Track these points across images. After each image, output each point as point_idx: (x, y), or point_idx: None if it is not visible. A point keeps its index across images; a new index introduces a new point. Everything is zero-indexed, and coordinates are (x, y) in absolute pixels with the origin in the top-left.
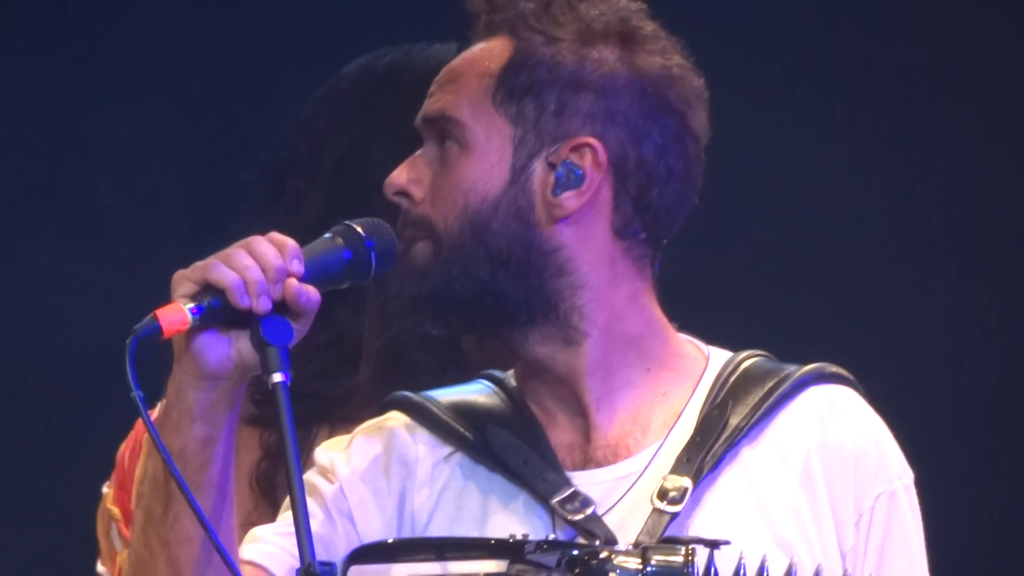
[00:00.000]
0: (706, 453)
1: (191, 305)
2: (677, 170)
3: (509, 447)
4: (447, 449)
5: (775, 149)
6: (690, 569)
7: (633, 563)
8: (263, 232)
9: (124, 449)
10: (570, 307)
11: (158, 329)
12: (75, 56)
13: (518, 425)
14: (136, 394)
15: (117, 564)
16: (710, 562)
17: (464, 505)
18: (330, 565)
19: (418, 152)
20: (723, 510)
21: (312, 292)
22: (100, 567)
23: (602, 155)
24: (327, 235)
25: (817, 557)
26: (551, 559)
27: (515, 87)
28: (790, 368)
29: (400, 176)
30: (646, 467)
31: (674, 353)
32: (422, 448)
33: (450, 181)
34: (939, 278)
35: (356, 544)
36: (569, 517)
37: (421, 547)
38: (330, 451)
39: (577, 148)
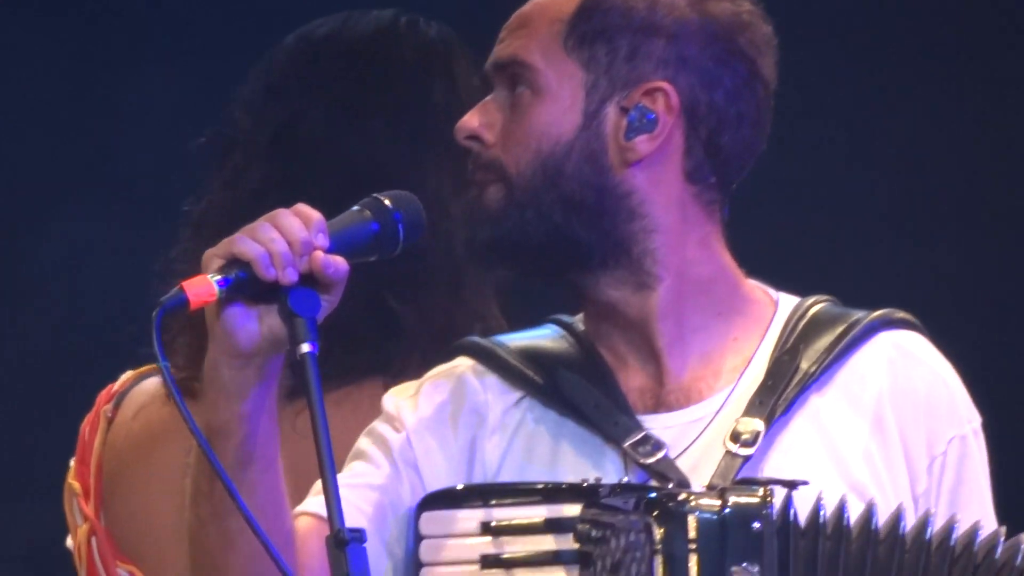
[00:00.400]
0: (778, 397)
1: (218, 277)
2: (747, 115)
3: (579, 391)
4: (517, 394)
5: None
6: (768, 510)
7: (712, 504)
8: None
9: (85, 424)
10: (643, 251)
11: (184, 300)
12: (107, 23)
13: (588, 369)
14: (163, 365)
15: (77, 538)
16: (788, 502)
17: (535, 450)
18: (359, 532)
19: (488, 97)
20: (795, 453)
21: (340, 262)
22: (69, 541)
23: (674, 99)
24: (355, 208)
25: (890, 501)
26: (627, 502)
27: (587, 32)
28: (859, 314)
29: (472, 120)
30: (718, 411)
31: (744, 298)
32: (491, 394)
33: (522, 126)
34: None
35: (422, 494)
36: (641, 460)
37: (492, 493)
38: (397, 398)
39: (649, 92)
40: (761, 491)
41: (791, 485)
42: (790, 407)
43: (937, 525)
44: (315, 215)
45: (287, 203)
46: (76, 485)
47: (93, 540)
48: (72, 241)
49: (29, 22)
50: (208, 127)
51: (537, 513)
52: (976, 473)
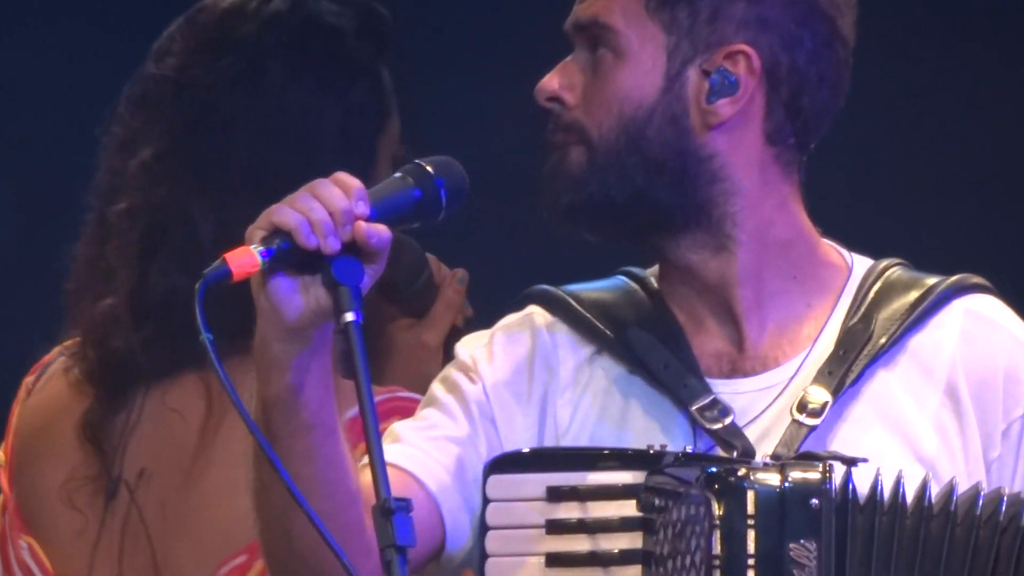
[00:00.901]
0: (848, 367)
1: (260, 248)
2: (827, 75)
3: (651, 350)
4: (589, 349)
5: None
6: (827, 486)
7: (772, 479)
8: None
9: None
10: (723, 214)
11: (227, 272)
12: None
13: (660, 328)
14: (206, 337)
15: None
16: (848, 478)
17: (606, 409)
18: (406, 501)
19: (568, 58)
20: (862, 425)
21: (382, 230)
22: None
23: (756, 62)
24: (397, 175)
25: (961, 470)
26: (690, 473)
27: None
28: (932, 280)
29: (551, 82)
30: (791, 378)
31: (820, 261)
32: (563, 348)
33: (604, 88)
34: None
35: (497, 450)
36: (708, 425)
37: (558, 458)
38: (470, 348)
39: (731, 55)
40: (821, 467)
41: (851, 462)
42: (860, 377)
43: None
44: (355, 183)
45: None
46: (2, 456)
47: (5, 512)
48: None
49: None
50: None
51: (602, 479)
52: None
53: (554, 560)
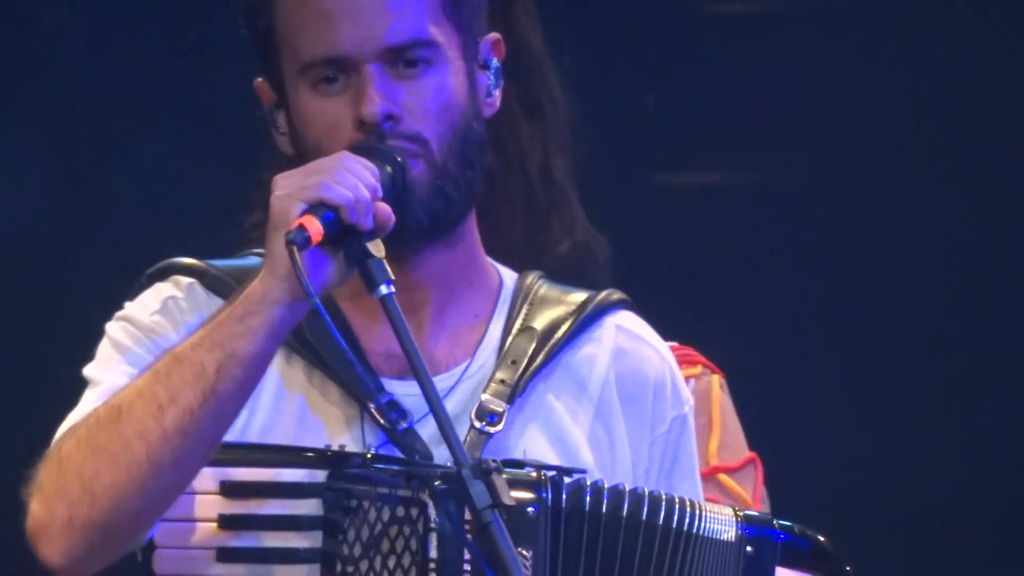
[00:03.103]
0: (519, 378)
1: (318, 216)
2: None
3: (324, 341)
4: None
5: None
6: (544, 494)
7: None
8: None
9: None
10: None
11: (308, 238)
12: None
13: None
14: (312, 294)
15: None
16: (560, 488)
17: (280, 398)
18: (498, 462)
19: (374, 80)
20: (528, 435)
21: (391, 212)
22: None
23: (502, 47)
24: (366, 154)
25: (610, 481)
26: (383, 476)
27: None
28: (580, 295)
29: (377, 104)
30: (454, 384)
31: (484, 267)
32: None
33: (434, 100)
34: None
35: None
36: (387, 426)
37: (235, 453)
38: (141, 312)
39: (492, 45)
40: (536, 474)
41: (566, 472)
42: (525, 390)
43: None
44: (370, 163)
45: None
46: None
47: None
48: (152, 176)
49: None
50: None
51: (279, 475)
52: (691, 450)
53: (225, 555)
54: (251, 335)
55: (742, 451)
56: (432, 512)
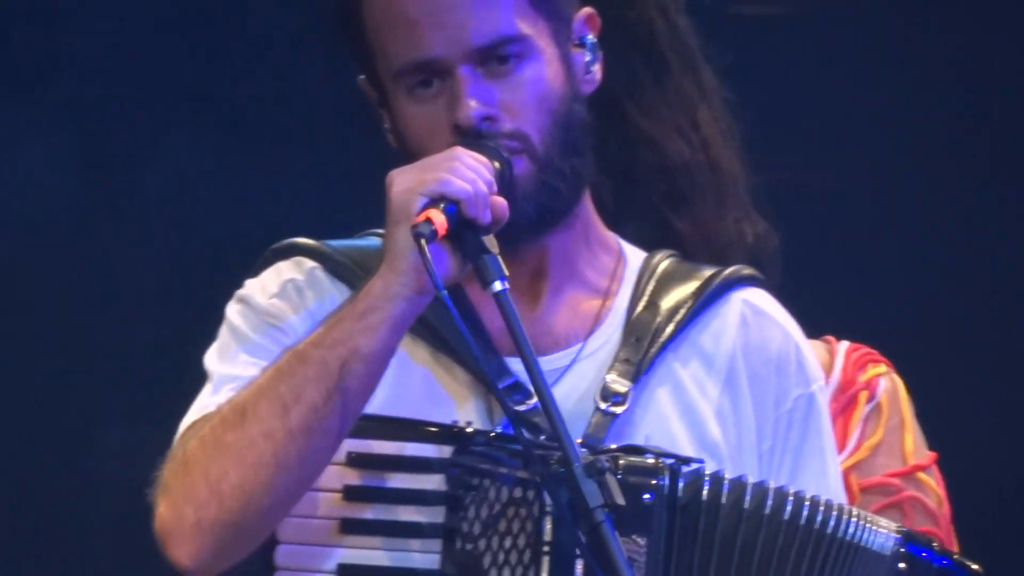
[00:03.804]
0: (643, 355)
1: (442, 207)
2: None
3: (447, 322)
4: None
5: None
6: (660, 481)
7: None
8: None
9: None
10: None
11: (434, 232)
12: None
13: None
14: (439, 287)
15: None
16: (677, 477)
17: (401, 378)
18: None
19: (462, 81)
20: (655, 413)
21: (507, 206)
22: None
23: (597, 20)
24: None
25: (737, 458)
26: (503, 455)
27: None
28: (709, 271)
29: (472, 107)
30: (573, 361)
31: (603, 244)
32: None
33: (529, 93)
34: None
35: None
36: (513, 407)
37: (360, 424)
38: (261, 293)
39: (584, 20)
40: (654, 461)
41: (684, 461)
42: (651, 366)
43: (781, 483)
44: (483, 159)
45: None
46: None
47: None
48: (179, 171)
49: None
50: (321, 58)
51: (406, 449)
52: (820, 430)
53: (348, 526)
54: (373, 331)
55: (926, 449)
56: (546, 495)
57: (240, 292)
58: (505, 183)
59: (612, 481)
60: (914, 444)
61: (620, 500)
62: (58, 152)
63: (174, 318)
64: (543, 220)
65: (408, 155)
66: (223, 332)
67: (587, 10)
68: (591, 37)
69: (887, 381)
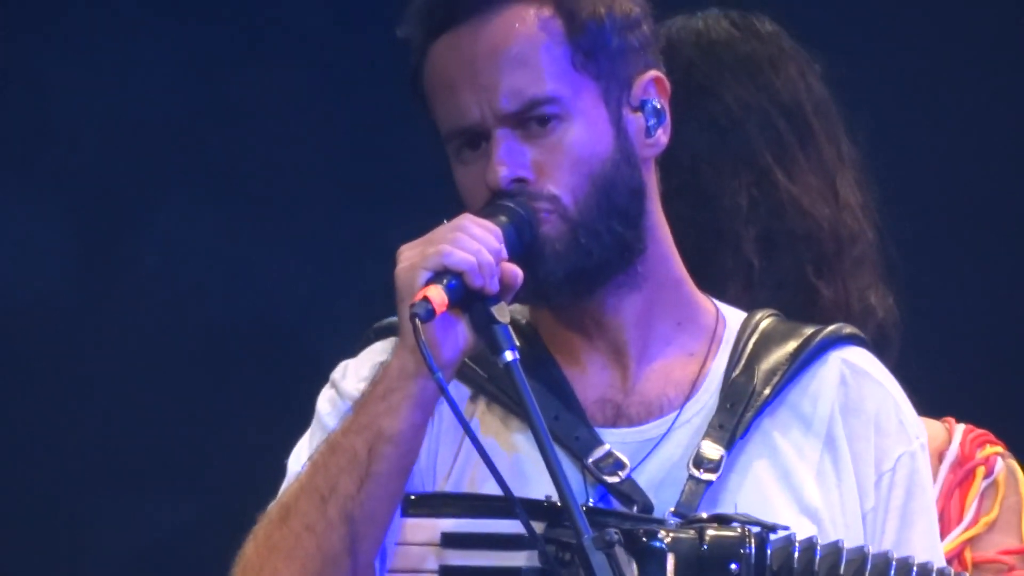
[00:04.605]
0: (737, 420)
1: (442, 284)
2: None
3: (541, 398)
4: (464, 389)
5: None
6: (746, 550)
7: (690, 542)
8: None
9: None
10: (641, 250)
11: (432, 311)
12: (216, 20)
13: (542, 373)
14: (435, 373)
15: None
16: (765, 544)
17: (493, 456)
18: (619, 535)
19: (497, 145)
20: (751, 478)
21: (518, 270)
22: None
23: (666, 84)
24: (499, 217)
25: (839, 520)
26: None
27: (586, 44)
28: (808, 330)
29: (502, 169)
30: (670, 428)
31: (697, 306)
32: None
33: (566, 156)
34: None
35: None
36: (606, 479)
37: (452, 502)
38: (354, 380)
39: (649, 84)
40: (740, 530)
41: (770, 528)
42: (747, 431)
43: (887, 545)
44: (492, 225)
45: None
46: None
47: None
48: (175, 244)
49: (134, 22)
50: (315, 127)
51: (499, 527)
52: (924, 488)
53: None
54: (394, 412)
55: None
56: (633, 567)
57: (333, 375)
58: (525, 243)
59: (621, 553)
60: None
61: (630, 574)
62: (53, 225)
63: (171, 390)
64: (574, 281)
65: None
66: (313, 423)
67: (653, 73)
68: (656, 102)
69: (1004, 461)
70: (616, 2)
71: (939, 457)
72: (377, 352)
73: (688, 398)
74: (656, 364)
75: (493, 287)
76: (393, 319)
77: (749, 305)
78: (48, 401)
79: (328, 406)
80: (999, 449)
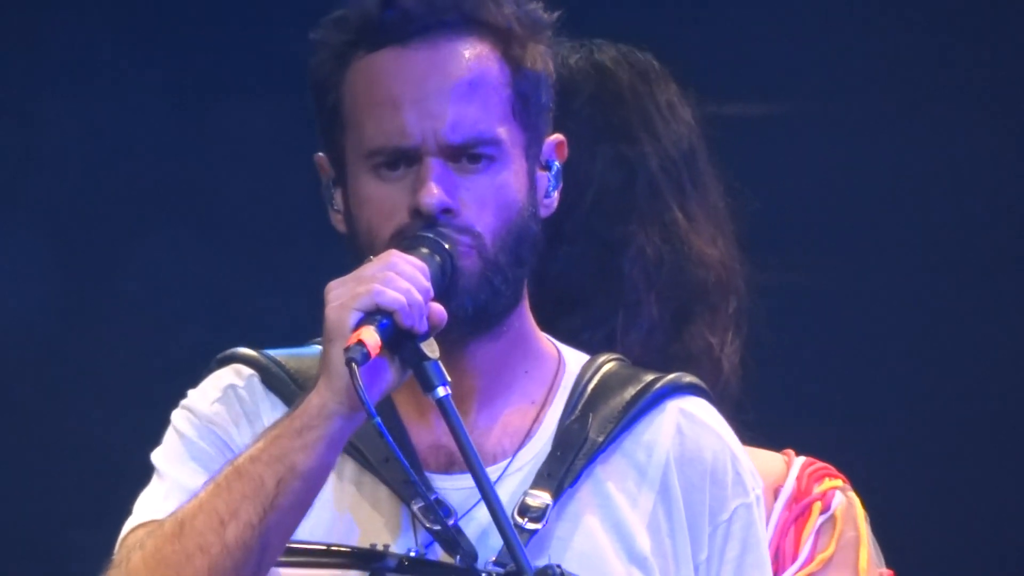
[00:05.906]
0: (566, 468)
1: (375, 326)
2: None
3: (370, 441)
4: None
5: None
6: None
7: None
8: None
9: None
10: (517, 300)
11: (367, 354)
12: (201, 51)
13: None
14: (373, 416)
15: None
16: None
17: (325, 496)
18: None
19: (430, 170)
20: (580, 526)
21: (444, 311)
22: None
23: (565, 149)
24: (419, 248)
25: (670, 570)
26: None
27: (524, 93)
28: (648, 377)
29: (436, 195)
30: (500, 476)
31: (541, 352)
32: (275, 414)
33: (493, 196)
34: None
35: None
36: (431, 526)
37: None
38: (203, 405)
39: (556, 146)
40: None
41: None
42: (577, 479)
43: None
44: (419, 262)
45: None
46: None
47: None
48: (156, 274)
49: (119, 53)
50: (297, 158)
51: None
52: (759, 540)
53: None
54: (309, 449)
55: (881, 567)
56: None
57: (183, 401)
58: (447, 277)
59: None
60: (868, 562)
61: None
62: (37, 254)
63: (150, 420)
64: (479, 318)
65: (354, 236)
66: (168, 434)
67: (557, 136)
68: (557, 163)
69: (843, 496)
70: (546, 60)
71: (775, 493)
72: (222, 377)
73: (520, 446)
74: (498, 412)
75: (422, 327)
76: (234, 349)
77: (629, 347)
78: (30, 429)
79: (186, 424)
80: (839, 483)
